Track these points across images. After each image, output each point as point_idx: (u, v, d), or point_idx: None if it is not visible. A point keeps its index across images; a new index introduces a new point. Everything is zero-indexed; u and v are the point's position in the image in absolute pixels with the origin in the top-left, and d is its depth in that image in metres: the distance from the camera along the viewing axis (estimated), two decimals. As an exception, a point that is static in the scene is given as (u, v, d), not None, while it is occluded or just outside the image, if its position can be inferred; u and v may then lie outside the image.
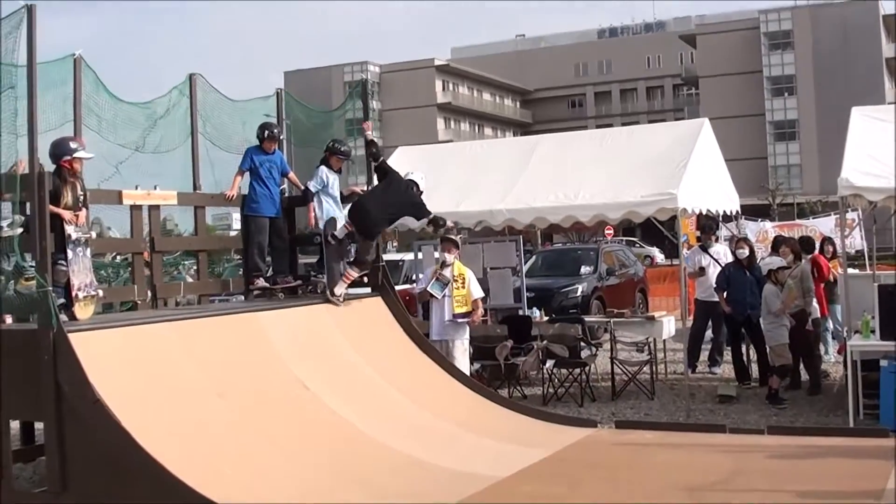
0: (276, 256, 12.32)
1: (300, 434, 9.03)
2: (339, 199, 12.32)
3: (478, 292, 12.97)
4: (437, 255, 12.98)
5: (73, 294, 8.93)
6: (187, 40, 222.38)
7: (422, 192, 11.88)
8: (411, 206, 11.89)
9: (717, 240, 17.30)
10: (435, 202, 14.45)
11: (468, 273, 12.99)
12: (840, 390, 12.95)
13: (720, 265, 15.77)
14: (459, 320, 12.72)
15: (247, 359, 9.63)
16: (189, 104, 11.90)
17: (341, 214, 12.06)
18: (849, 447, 10.04)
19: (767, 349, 13.82)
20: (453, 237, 13.16)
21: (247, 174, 11.97)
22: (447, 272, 12.70)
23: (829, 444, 10.22)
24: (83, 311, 9.05)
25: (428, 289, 12.65)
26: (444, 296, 12.67)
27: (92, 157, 9.83)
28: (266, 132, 12.02)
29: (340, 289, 11.57)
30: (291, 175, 12.52)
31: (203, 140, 12.09)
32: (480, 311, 13.21)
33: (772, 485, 8.79)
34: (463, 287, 12.71)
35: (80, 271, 9.10)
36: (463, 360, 12.83)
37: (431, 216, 12.02)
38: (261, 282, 12.02)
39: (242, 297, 12.64)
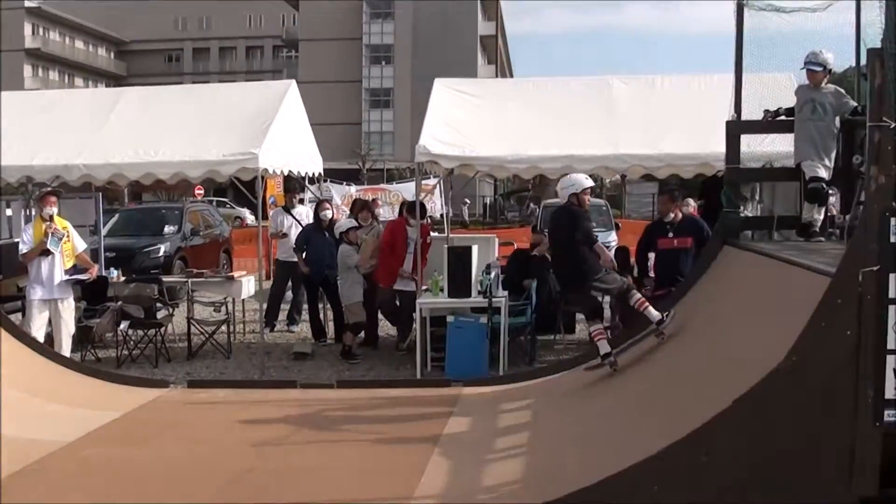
0: None
1: None
2: None
3: (82, 244, 12.57)
4: (38, 210, 12.23)
5: None
6: None
7: None
8: None
9: (301, 202, 17.61)
10: (8, 154, 13.68)
11: (69, 225, 12.53)
12: (410, 345, 13.57)
13: (302, 226, 16.01)
14: (75, 277, 12.28)
15: None
16: None
17: None
18: (414, 397, 10.67)
19: (343, 307, 14.28)
20: (53, 188, 12.66)
21: None
22: (57, 225, 12.18)
23: (397, 394, 10.80)
24: None
25: (48, 245, 11.96)
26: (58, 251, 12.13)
27: None
28: None
29: None
30: None
31: None
32: (94, 265, 12.83)
33: (337, 436, 9.19)
34: (69, 240, 12.25)
35: None
36: (70, 319, 12.41)
37: None
38: None
39: None
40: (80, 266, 12.70)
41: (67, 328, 12.33)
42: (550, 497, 6.20)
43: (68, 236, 12.32)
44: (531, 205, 54.67)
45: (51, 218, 12.19)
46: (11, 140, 13.52)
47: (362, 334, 14.59)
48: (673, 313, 9.61)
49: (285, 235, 16.21)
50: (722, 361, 7.55)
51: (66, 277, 12.29)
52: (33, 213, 13.32)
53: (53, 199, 12.35)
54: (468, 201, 57.14)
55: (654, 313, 9.71)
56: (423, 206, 14.49)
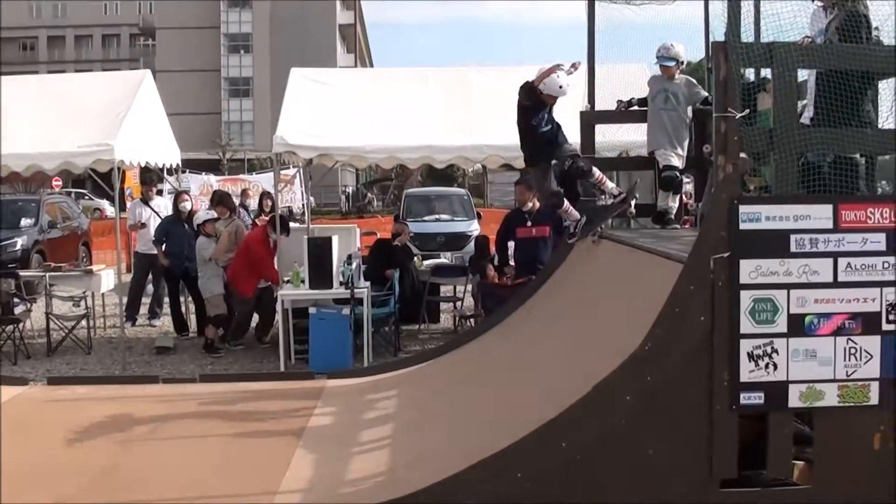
0: None
1: None
2: None
3: None
4: None
5: None
6: None
7: None
8: None
9: (159, 193, 17.35)
10: None
11: None
12: (274, 338, 13.54)
13: (161, 218, 15.83)
14: None
15: None
16: None
17: None
18: (278, 390, 10.55)
19: (204, 300, 14.13)
20: None
21: None
22: None
23: (260, 388, 10.67)
24: None
25: None
26: None
27: None
28: None
29: None
30: None
31: None
32: None
33: (200, 430, 9.03)
34: None
35: None
36: None
37: None
38: None
39: None
40: None
41: None
42: (415, 488, 6.24)
43: None
44: (394, 194, 54.88)
45: None
46: None
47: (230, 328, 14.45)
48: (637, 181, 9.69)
49: (144, 226, 15.94)
50: (580, 348, 7.72)
51: None
52: None
53: None
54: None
55: (612, 187, 9.39)
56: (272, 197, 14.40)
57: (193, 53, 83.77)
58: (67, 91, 15.08)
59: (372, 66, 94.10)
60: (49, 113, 13.89)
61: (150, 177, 16.43)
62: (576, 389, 6.19)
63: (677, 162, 9.73)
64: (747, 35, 6.78)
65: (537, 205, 12.58)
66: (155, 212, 16.14)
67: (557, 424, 6.04)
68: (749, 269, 5.88)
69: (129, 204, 17.91)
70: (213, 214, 14.40)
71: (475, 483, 6.01)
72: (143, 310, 16.60)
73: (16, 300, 14.10)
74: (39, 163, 13.28)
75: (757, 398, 5.90)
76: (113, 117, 13.45)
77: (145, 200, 16.46)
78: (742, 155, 6.13)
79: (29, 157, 13.17)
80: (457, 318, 15.01)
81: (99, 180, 13.79)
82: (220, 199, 15.41)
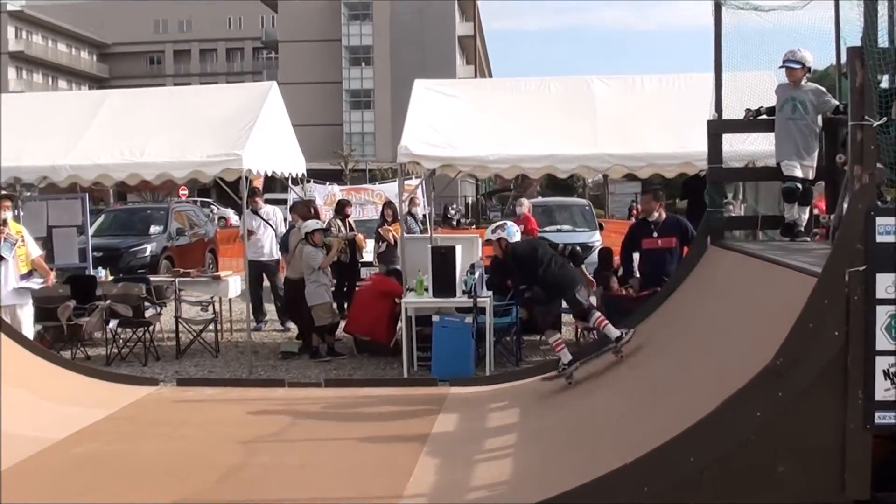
0: None
1: None
2: None
3: (36, 251, 12.44)
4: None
5: None
6: None
7: None
8: None
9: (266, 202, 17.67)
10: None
11: (24, 230, 12.41)
12: (396, 345, 13.59)
13: (271, 226, 16.26)
14: (28, 284, 12.09)
15: None
16: None
17: None
18: (402, 396, 10.71)
19: (310, 308, 14.33)
20: (6, 192, 12.57)
21: None
22: (10, 230, 11.96)
23: (384, 393, 10.85)
24: None
25: (1, 251, 11.75)
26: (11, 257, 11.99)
27: None
28: None
29: None
30: None
31: None
32: (51, 272, 12.70)
33: (326, 433, 9.22)
34: (24, 245, 12.09)
35: None
36: (29, 324, 12.30)
37: None
38: None
39: None
40: (38, 273, 12.48)
41: (27, 332, 12.12)
42: (538, 499, 6.22)
43: (23, 241, 12.12)
44: (514, 204, 54.73)
45: (4, 223, 11.96)
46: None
47: (341, 333, 14.73)
48: (632, 332, 9.66)
49: (252, 234, 16.04)
50: (708, 362, 7.59)
51: (21, 284, 12.08)
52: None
53: (7, 203, 12.14)
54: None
55: (613, 331, 9.76)
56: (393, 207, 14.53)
57: (315, 66, 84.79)
58: (196, 102, 15.57)
59: (491, 76, 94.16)
60: (178, 124, 14.30)
61: (256, 189, 16.59)
62: (704, 403, 6.10)
63: (801, 173, 9.50)
64: (882, 40, 6.58)
65: (664, 215, 12.44)
66: (265, 220, 16.42)
67: (686, 438, 5.96)
68: (886, 284, 5.69)
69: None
70: (321, 224, 14.60)
71: (629, 483, 5.96)
72: (272, 315, 16.93)
73: (146, 304, 14.45)
74: (170, 172, 13.70)
75: (892, 417, 5.71)
76: (240, 127, 13.74)
77: (255, 210, 16.64)
78: (878, 165, 5.97)
79: (160, 165, 13.60)
80: (579, 330, 14.90)
81: (227, 188, 14.09)
82: (345, 205, 15.62)
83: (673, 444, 5.98)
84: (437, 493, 7.19)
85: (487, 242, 10.99)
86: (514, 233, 10.62)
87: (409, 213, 17.55)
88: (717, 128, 10.22)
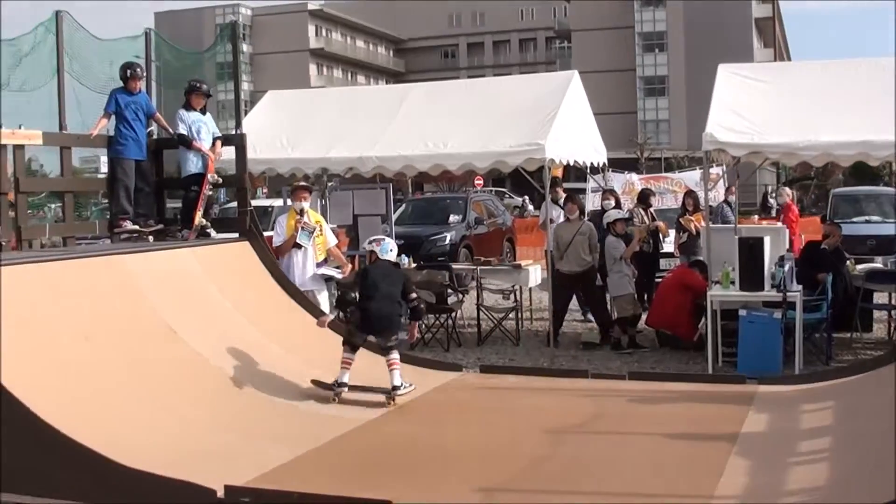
0: (141, 199, 12.00)
1: (170, 378, 8.88)
2: (211, 141, 12.17)
3: (333, 239, 12.78)
4: (290, 203, 12.48)
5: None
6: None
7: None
8: None
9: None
10: (305, 148, 14.51)
11: (322, 219, 12.79)
12: (700, 339, 13.27)
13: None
14: (325, 270, 12.48)
15: (113, 302, 9.37)
16: (56, 42, 11.53)
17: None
18: (707, 392, 10.34)
19: (610, 299, 14.09)
20: (305, 183, 13.10)
21: (113, 116, 11.67)
22: (308, 219, 12.26)
23: (687, 389, 10.54)
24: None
25: (298, 239, 12.10)
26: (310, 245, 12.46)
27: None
28: (129, 71, 11.65)
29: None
30: (157, 115, 12.22)
31: (70, 80, 11.71)
32: (348, 263, 13.09)
33: (631, 427, 9.05)
34: (321, 234, 12.41)
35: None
36: (326, 309, 12.67)
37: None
38: (128, 224, 11.73)
39: (109, 241, 12.27)
40: (332, 260, 12.74)
41: None
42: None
43: (321, 230, 12.36)
44: (815, 193, 52.58)
45: (302, 212, 12.19)
46: (308, 134, 14.18)
47: (642, 325, 14.50)
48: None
49: (553, 223, 15.99)
50: None
51: (319, 271, 12.36)
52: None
53: (305, 193, 12.37)
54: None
55: None
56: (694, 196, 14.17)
57: (608, 54, 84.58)
58: (495, 93, 15.76)
59: (790, 59, 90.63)
60: (479, 115, 14.52)
61: (556, 179, 16.46)
62: None
63: None
64: None
65: None
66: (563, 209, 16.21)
67: None
68: None
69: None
70: (623, 214, 14.39)
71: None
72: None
73: (449, 291, 14.74)
74: (473, 162, 13.97)
75: None
76: (542, 117, 13.79)
77: (554, 200, 16.45)
78: None
79: (463, 156, 13.86)
80: (892, 328, 14.07)
81: (529, 177, 14.16)
82: (648, 194, 15.37)
83: None
84: (750, 495, 6.91)
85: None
86: (388, 249, 10.25)
87: (726, 202, 17.13)
88: None
